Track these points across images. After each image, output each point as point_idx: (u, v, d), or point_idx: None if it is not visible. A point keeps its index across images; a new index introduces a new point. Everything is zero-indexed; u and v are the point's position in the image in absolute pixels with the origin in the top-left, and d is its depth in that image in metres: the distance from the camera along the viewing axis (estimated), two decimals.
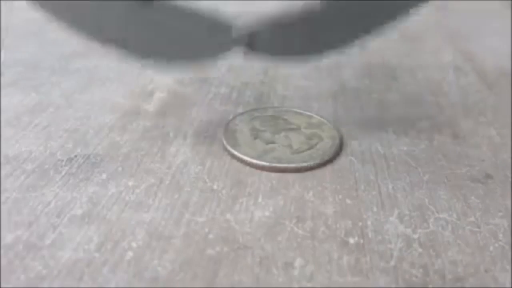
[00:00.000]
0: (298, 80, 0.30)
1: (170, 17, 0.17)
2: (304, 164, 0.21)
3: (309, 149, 0.22)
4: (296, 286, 0.15)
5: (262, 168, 0.20)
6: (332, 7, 0.17)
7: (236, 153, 0.21)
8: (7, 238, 0.17)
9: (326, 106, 0.27)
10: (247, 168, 0.21)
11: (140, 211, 0.18)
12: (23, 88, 0.28)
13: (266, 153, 0.21)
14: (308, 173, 0.20)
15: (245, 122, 0.24)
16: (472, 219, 0.18)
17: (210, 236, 0.17)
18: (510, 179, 0.20)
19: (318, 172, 0.21)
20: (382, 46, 0.37)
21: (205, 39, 0.18)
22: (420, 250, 0.16)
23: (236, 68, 0.32)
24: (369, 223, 0.18)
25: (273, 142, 0.22)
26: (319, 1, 0.17)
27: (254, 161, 0.21)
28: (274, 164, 0.20)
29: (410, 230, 0.17)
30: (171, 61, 0.18)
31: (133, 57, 0.18)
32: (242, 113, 0.25)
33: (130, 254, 0.16)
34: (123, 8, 0.17)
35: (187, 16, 0.18)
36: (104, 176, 0.20)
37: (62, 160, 0.21)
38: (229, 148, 0.21)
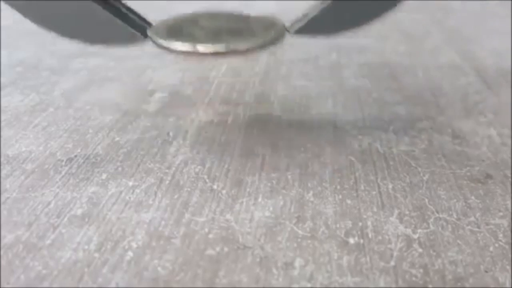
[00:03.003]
0: (298, 80, 0.30)
1: None
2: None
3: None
4: (296, 286, 0.15)
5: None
6: None
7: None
8: (7, 238, 0.17)
9: (326, 106, 0.27)
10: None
11: (140, 211, 0.18)
12: (23, 88, 0.28)
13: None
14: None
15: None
16: (472, 219, 0.18)
17: (210, 236, 0.17)
18: (510, 179, 0.20)
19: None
20: (382, 45, 0.37)
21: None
22: (420, 250, 0.16)
23: (236, 68, 0.32)
24: (369, 223, 0.18)
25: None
26: None
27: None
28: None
29: (410, 230, 0.17)
30: None
31: None
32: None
33: (130, 254, 0.16)
34: None
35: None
36: (104, 176, 0.20)
37: (62, 160, 0.21)
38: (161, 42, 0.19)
